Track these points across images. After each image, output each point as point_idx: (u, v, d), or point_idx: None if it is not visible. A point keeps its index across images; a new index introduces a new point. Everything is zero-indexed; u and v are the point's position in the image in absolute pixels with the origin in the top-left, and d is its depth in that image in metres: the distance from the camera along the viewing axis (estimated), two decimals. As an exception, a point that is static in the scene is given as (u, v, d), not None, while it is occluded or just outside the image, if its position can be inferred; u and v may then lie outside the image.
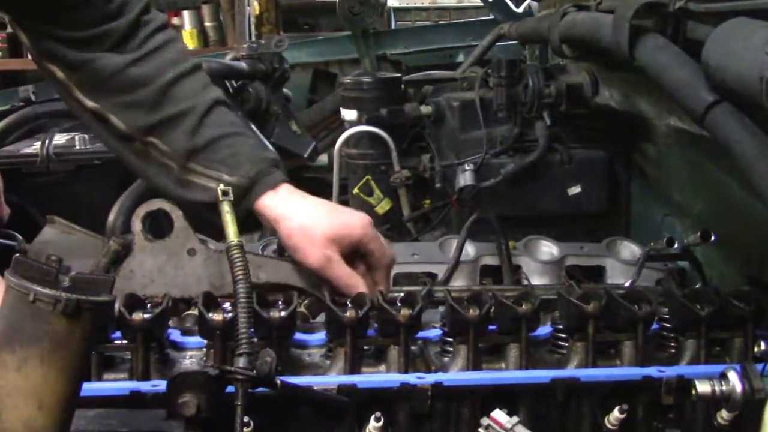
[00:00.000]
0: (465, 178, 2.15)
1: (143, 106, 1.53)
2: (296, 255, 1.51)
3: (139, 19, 1.55)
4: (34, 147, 2.36)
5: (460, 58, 3.30)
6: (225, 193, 1.40)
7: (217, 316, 1.32)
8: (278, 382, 1.18)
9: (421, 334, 1.43)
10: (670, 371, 1.35)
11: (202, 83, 1.61)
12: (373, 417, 1.26)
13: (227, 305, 1.38)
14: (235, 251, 1.30)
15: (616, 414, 1.32)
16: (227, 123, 1.57)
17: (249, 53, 2.70)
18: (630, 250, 1.88)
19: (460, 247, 1.76)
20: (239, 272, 1.26)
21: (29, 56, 1.63)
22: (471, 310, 1.36)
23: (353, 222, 1.53)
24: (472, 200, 2.13)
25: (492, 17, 3.29)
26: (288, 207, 1.50)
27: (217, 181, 1.48)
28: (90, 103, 1.54)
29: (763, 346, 1.25)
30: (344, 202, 2.47)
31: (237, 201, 1.46)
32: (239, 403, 1.13)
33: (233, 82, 2.61)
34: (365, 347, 1.39)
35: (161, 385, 1.21)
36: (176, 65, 1.57)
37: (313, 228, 1.48)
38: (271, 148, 1.81)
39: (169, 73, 1.55)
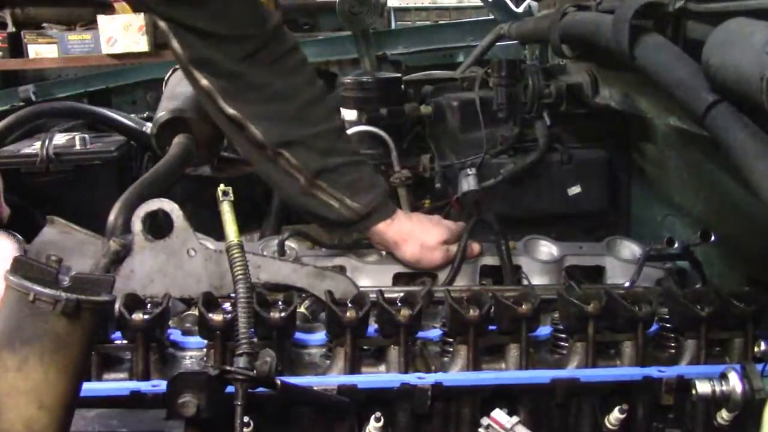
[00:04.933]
0: (468, 182, 2.15)
1: (282, 120, 1.70)
2: (419, 265, 1.77)
3: (278, 29, 1.71)
4: (34, 147, 2.36)
5: (460, 58, 3.30)
6: (225, 194, 1.40)
7: (217, 316, 1.32)
8: (278, 382, 1.18)
9: (421, 334, 1.43)
10: (670, 371, 1.35)
11: (332, 107, 1.84)
12: (373, 417, 1.26)
13: (227, 305, 1.38)
14: (235, 251, 1.30)
15: (616, 414, 1.32)
16: (350, 150, 1.82)
17: (249, 53, 2.70)
18: (630, 249, 1.88)
19: (462, 250, 1.76)
20: (239, 272, 1.26)
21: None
22: (471, 311, 1.36)
23: (451, 226, 1.84)
24: (474, 205, 2.12)
25: (492, 17, 3.29)
26: (405, 231, 1.77)
27: (340, 202, 1.73)
28: (231, 111, 1.68)
29: (763, 346, 1.25)
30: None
31: (352, 223, 1.75)
32: (239, 403, 1.13)
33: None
34: (365, 347, 1.39)
35: (161, 385, 1.21)
36: (311, 86, 1.76)
37: (428, 241, 1.76)
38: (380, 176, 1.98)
39: (307, 93, 1.74)
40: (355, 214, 1.74)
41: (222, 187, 1.41)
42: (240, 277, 1.25)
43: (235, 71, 1.67)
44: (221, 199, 1.39)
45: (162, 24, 1.66)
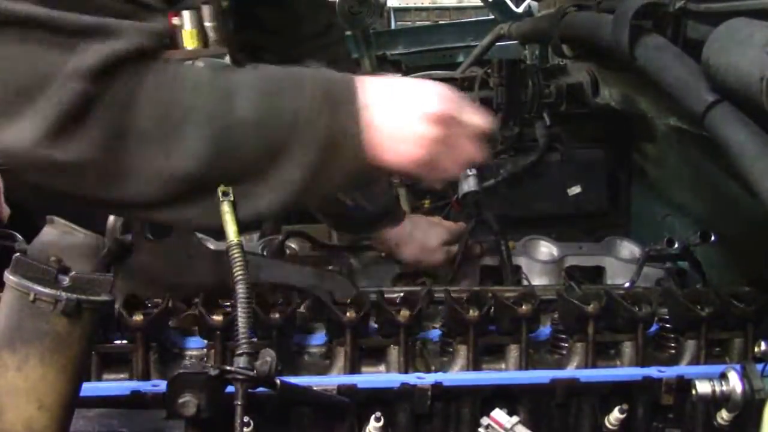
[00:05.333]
0: (469, 183, 2.15)
1: None
2: (420, 266, 1.80)
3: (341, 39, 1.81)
4: (34, 147, 2.35)
5: (460, 58, 3.30)
6: (225, 194, 1.39)
7: (217, 316, 1.32)
8: (278, 382, 1.18)
9: (421, 334, 1.42)
10: (670, 371, 1.35)
11: None
12: (373, 417, 1.26)
13: (227, 305, 1.38)
14: (235, 251, 1.29)
15: (616, 414, 1.32)
16: None
17: (249, 53, 2.69)
18: (629, 249, 1.88)
19: (462, 251, 1.76)
20: (239, 272, 1.26)
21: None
22: (471, 311, 1.36)
23: (451, 227, 1.86)
24: (474, 206, 2.13)
25: (492, 17, 3.29)
26: (406, 233, 1.79)
27: (355, 203, 1.73)
28: None
29: (763, 346, 1.25)
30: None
31: (364, 224, 1.77)
32: (239, 403, 1.13)
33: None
34: (365, 347, 1.39)
35: (161, 385, 1.21)
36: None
37: (429, 243, 1.79)
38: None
39: None
40: (368, 215, 1.76)
41: (222, 187, 1.41)
42: (240, 277, 1.25)
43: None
44: (221, 199, 1.39)
45: (225, 3, 1.68)
